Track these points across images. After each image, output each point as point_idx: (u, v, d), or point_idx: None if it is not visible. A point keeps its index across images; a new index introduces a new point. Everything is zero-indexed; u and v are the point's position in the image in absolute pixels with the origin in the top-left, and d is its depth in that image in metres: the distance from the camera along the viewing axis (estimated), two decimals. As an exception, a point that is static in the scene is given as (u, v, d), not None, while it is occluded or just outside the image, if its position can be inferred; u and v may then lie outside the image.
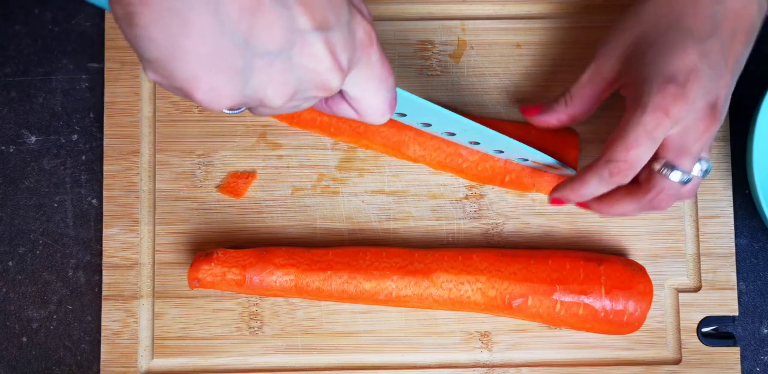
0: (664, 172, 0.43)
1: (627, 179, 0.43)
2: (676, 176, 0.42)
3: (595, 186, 0.44)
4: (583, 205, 0.47)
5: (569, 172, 0.51)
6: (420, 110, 0.44)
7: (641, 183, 0.44)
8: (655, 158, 0.43)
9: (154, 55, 0.28)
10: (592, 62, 0.47)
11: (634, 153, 0.41)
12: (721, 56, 0.42)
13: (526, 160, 0.50)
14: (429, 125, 0.47)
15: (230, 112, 0.36)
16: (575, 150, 0.52)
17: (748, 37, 0.43)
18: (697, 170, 0.44)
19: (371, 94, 0.35)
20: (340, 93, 0.36)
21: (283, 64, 0.30)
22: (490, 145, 0.49)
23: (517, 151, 0.49)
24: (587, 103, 0.48)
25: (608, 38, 0.46)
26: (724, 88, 0.42)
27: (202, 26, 0.28)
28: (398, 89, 0.39)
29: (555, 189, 0.46)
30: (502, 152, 0.50)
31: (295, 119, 0.53)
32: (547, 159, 0.49)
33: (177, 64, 0.29)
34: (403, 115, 0.46)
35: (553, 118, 0.49)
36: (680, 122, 0.41)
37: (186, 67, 0.29)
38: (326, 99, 0.37)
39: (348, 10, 0.31)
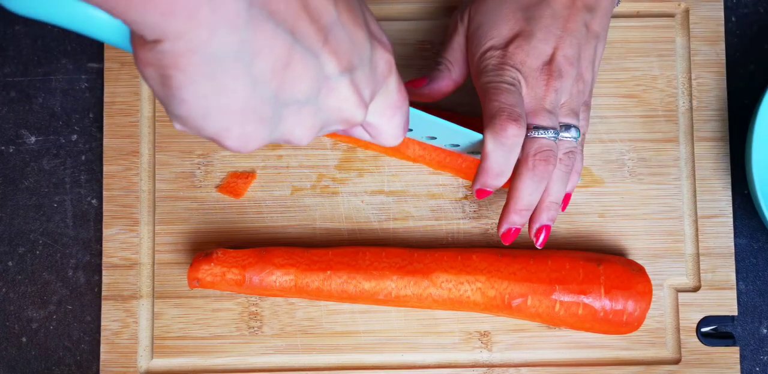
0: (529, 134, 0.44)
1: (522, 128, 0.43)
2: (537, 132, 0.44)
3: (500, 152, 0.43)
4: (508, 235, 0.47)
5: None
6: (426, 125, 0.45)
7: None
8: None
9: (184, 114, 0.28)
10: (456, 27, 0.49)
11: (505, 98, 0.43)
12: (552, 20, 0.45)
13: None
14: (434, 138, 0.47)
15: None
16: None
17: (587, 4, 0.46)
18: (564, 132, 0.46)
19: (386, 120, 0.36)
20: None
21: (311, 109, 0.31)
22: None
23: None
24: (464, 65, 0.49)
25: (461, 5, 0.49)
26: (561, 48, 0.45)
27: (236, 88, 0.28)
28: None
29: (473, 181, 0.47)
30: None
31: None
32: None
33: (207, 120, 0.29)
34: (410, 130, 0.46)
35: (442, 85, 0.49)
36: (520, 82, 0.44)
37: (216, 122, 0.29)
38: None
39: (370, 46, 0.32)
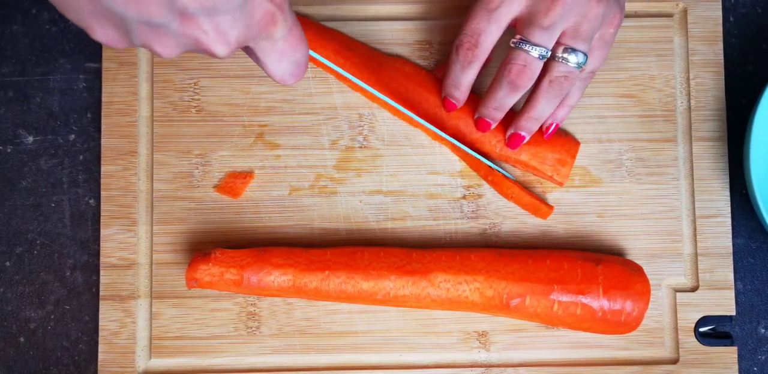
0: (516, 44, 0.46)
1: (476, 53, 0.47)
2: (524, 46, 0.45)
3: (451, 67, 0.48)
4: (486, 124, 0.50)
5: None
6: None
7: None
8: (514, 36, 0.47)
9: (54, 3, 0.34)
10: None
11: (472, 25, 0.46)
12: None
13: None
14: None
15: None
16: (572, 158, 0.52)
17: None
18: (568, 54, 0.46)
19: (272, 62, 0.39)
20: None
21: (166, 31, 0.34)
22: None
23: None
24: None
25: None
26: None
27: None
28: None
29: (436, 71, 0.52)
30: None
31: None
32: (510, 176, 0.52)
33: (71, 13, 0.34)
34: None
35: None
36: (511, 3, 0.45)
37: (78, 16, 0.34)
38: (248, 52, 0.41)
39: None
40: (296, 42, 0.39)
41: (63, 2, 0.33)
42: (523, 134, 0.50)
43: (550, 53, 0.46)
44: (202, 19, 0.34)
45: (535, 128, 0.50)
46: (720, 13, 0.55)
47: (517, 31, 0.46)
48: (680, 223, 0.53)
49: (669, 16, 0.55)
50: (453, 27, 0.54)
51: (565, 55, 0.46)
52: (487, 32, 0.46)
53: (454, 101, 0.50)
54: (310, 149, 0.54)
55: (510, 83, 0.46)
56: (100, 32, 0.34)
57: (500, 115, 0.50)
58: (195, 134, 0.54)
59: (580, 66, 0.46)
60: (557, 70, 0.46)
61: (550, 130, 0.51)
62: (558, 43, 0.46)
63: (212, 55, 0.36)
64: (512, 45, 0.46)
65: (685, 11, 0.55)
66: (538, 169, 0.52)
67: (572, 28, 0.45)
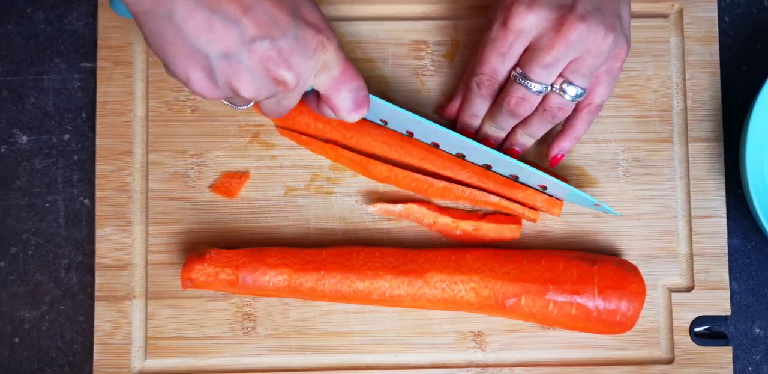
0: (516, 78, 0.47)
1: (495, 88, 0.49)
2: (524, 81, 0.47)
3: (473, 100, 0.50)
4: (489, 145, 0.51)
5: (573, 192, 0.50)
6: (380, 109, 0.48)
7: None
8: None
9: (160, 59, 0.41)
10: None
11: (488, 67, 0.48)
12: None
13: (546, 188, 0.50)
14: (386, 122, 0.51)
15: (238, 107, 0.46)
16: (558, 208, 0.52)
17: None
18: (566, 85, 0.47)
19: (333, 93, 0.44)
20: (319, 96, 0.45)
21: (239, 64, 0.40)
22: (503, 169, 0.51)
23: (533, 177, 0.49)
24: None
25: None
26: (580, 2, 0.45)
27: (175, 39, 0.40)
28: (386, 103, 0.48)
29: (441, 111, 0.53)
30: (517, 177, 0.51)
31: (288, 121, 0.53)
32: (564, 186, 0.49)
33: (170, 64, 0.41)
34: (386, 122, 0.51)
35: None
36: (528, 33, 0.46)
37: (176, 65, 0.41)
38: (310, 101, 0.46)
39: (294, 26, 0.40)
40: (350, 72, 0.44)
41: (165, 56, 0.40)
42: (517, 148, 0.51)
43: (549, 88, 0.47)
44: (264, 45, 0.40)
45: (529, 144, 0.51)
46: (716, 14, 0.55)
47: (519, 63, 0.47)
48: (676, 223, 0.54)
49: (665, 16, 0.55)
50: (448, 27, 0.54)
51: (564, 86, 0.47)
52: (501, 72, 0.48)
53: (471, 130, 0.51)
54: (306, 149, 0.54)
55: (510, 112, 0.48)
56: (193, 77, 0.41)
57: (503, 135, 0.51)
58: (190, 134, 0.54)
59: (575, 99, 0.47)
60: (553, 101, 0.48)
61: (558, 158, 0.52)
62: (558, 75, 0.47)
63: (282, 83, 0.41)
64: (512, 78, 0.47)
65: (680, 12, 0.55)
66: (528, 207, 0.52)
67: (575, 62, 0.46)
